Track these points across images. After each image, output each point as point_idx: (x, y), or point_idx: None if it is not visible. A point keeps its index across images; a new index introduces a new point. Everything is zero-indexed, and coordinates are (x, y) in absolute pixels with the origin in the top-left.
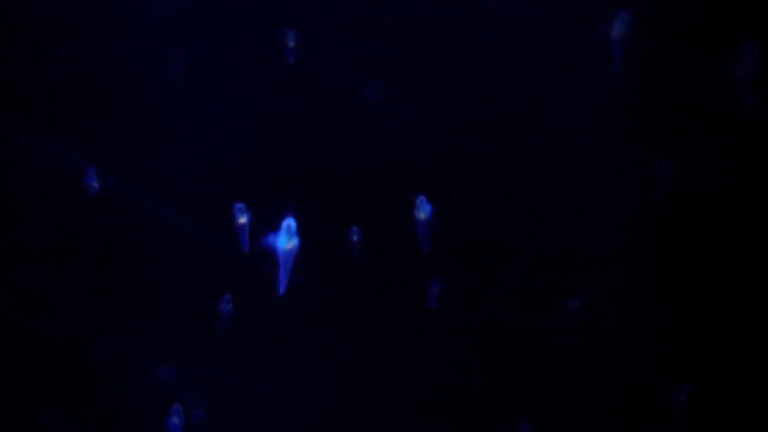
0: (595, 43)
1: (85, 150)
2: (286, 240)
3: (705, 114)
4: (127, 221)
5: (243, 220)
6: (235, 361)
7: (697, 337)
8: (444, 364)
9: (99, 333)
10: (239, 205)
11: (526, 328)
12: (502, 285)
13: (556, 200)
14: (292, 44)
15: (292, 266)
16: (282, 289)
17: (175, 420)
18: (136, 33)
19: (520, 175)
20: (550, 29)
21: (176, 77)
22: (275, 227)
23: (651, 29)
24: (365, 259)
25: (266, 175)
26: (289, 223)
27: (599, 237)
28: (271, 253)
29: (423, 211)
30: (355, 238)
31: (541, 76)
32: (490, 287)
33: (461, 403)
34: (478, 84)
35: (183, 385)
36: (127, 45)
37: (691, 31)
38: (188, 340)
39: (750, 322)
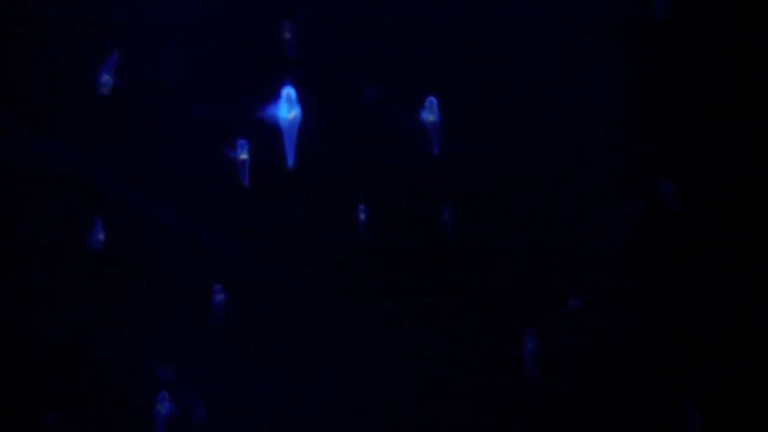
0: (595, 43)
1: (85, 150)
2: (287, 109)
3: (705, 114)
4: (127, 221)
5: (244, 156)
6: (235, 361)
7: (698, 337)
8: (444, 364)
9: (99, 333)
10: (241, 141)
11: (525, 328)
12: (501, 285)
13: (556, 200)
14: (288, 37)
15: (296, 137)
16: (291, 162)
17: (161, 408)
18: (136, 33)
19: (520, 175)
20: (550, 29)
21: (176, 77)
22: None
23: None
24: (365, 259)
25: (266, 175)
26: (289, 91)
27: (600, 237)
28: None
29: (433, 113)
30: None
31: (541, 76)
32: (489, 286)
33: (460, 404)
34: (478, 84)
35: (183, 385)
36: (127, 45)
37: (693, 31)
38: (188, 340)
39: (750, 322)
